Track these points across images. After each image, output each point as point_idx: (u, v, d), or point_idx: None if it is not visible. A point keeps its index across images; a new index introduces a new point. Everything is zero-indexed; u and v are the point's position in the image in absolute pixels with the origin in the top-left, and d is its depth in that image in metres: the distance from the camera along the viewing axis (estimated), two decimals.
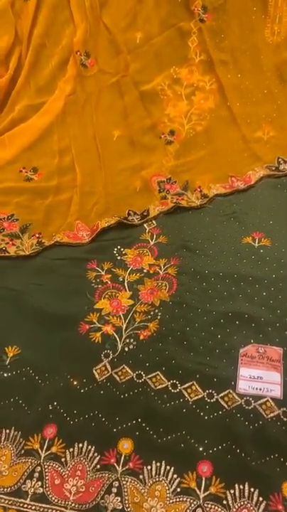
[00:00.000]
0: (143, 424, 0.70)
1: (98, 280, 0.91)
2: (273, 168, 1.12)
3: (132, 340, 0.80)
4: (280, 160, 1.14)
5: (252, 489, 0.63)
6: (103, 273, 0.92)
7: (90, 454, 0.68)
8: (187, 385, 0.74)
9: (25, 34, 1.22)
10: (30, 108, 1.20)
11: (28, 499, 0.65)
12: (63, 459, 0.68)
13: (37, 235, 1.00)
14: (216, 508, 0.62)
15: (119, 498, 0.64)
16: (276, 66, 1.27)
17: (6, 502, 0.65)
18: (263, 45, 1.26)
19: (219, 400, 0.72)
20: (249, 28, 1.26)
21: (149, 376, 0.75)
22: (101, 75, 1.24)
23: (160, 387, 0.74)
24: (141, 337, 0.80)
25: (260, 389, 0.72)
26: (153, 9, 1.23)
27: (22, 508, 0.64)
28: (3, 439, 0.70)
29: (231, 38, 1.26)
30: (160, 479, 0.65)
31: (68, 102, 1.21)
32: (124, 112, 1.22)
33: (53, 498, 0.65)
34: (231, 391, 0.72)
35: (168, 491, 0.64)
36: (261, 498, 0.62)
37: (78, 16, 1.21)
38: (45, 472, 0.67)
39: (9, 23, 1.21)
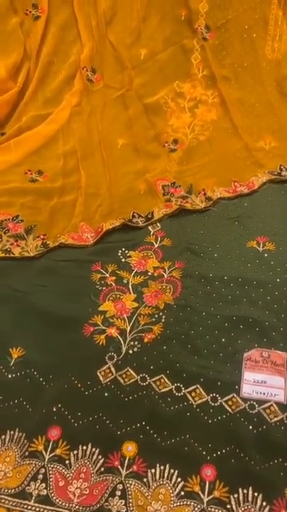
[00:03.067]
0: (147, 427, 0.70)
1: (102, 282, 0.91)
2: (276, 173, 1.14)
3: (136, 343, 0.80)
4: (282, 167, 1.15)
5: (256, 493, 0.62)
6: (107, 275, 0.92)
7: (94, 457, 0.67)
8: (191, 388, 0.73)
9: (33, 51, 1.26)
10: (37, 118, 1.22)
11: (32, 501, 0.64)
12: (67, 461, 0.67)
13: (41, 236, 1.00)
14: None
15: (123, 501, 0.63)
16: (277, 81, 1.31)
17: (10, 503, 0.64)
18: (264, 62, 1.31)
19: (223, 403, 0.71)
20: (250, 45, 1.30)
21: (153, 379, 0.75)
22: (107, 89, 1.27)
23: (164, 390, 0.74)
24: (145, 340, 0.80)
25: (264, 393, 0.72)
26: (157, 27, 1.27)
27: (26, 510, 0.63)
28: (7, 440, 0.70)
29: (232, 55, 1.30)
30: (164, 482, 0.65)
31: (74, 112, 1.23)
32: (128, 122, 1.24)
33: (57, 500, 0.64)
34: (235, 395, 0.72)
35: (171, 495, 0.63)
36: (264, 503, 0.62)
37: (85, 35, 1.25)
38: (49, 474, 0.66)
39: (18, 42, 1.25)
